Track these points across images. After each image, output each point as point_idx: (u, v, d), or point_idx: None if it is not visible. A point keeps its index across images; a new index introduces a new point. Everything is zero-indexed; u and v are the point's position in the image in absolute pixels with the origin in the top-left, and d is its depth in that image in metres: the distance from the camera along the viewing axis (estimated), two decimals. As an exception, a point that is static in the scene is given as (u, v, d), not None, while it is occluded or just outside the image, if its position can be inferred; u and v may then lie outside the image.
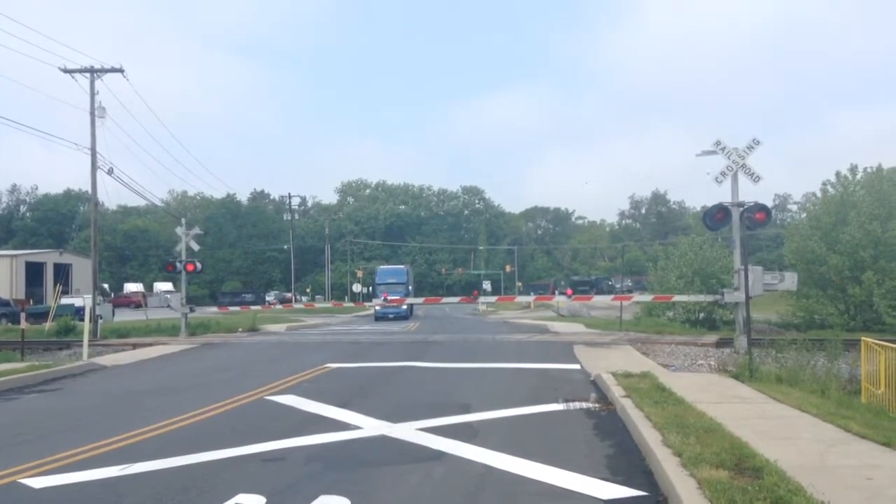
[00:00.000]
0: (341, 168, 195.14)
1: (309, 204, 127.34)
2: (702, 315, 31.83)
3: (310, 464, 7.55)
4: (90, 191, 34.63)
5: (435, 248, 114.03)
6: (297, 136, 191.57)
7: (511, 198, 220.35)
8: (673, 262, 35.89)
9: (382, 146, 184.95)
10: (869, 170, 33.34)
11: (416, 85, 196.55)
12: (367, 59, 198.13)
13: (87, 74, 34.27)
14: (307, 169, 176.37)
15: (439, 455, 7.82)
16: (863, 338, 14.10)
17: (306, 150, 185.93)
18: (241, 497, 6.24)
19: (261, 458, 7.80)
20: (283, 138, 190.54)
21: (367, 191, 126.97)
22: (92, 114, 34.07)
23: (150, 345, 22.62)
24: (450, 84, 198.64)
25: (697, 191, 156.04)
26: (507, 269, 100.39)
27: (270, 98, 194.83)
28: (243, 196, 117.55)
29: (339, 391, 12.52)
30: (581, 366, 15.56)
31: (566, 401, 11.08)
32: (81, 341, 19.73)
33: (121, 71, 34.52)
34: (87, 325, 19.50)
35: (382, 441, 8.61)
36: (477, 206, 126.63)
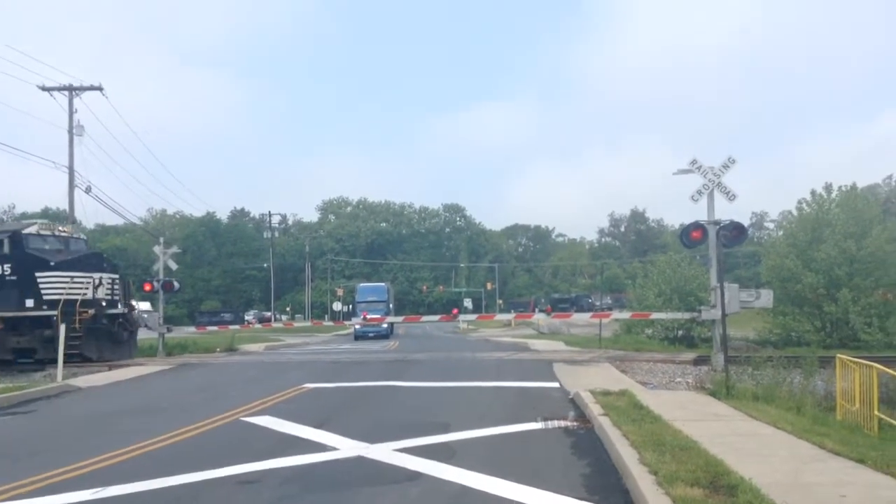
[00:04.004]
0: (322, 186, 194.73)
1: (289, 222, 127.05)
2: (680, 332, 32.08)
3: (285, 486, 7.48)
4: (68, 209, 34.38)
5: (416, 266, 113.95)
6: (277, 153, 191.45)
7: (492, 215, 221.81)
8: (652, 279, 36.19)
9: (363, 164, 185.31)
10: (844, 188, 33.87)
11: (396, 102, 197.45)
12: (347, 75, 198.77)
13: (66, 92, 34.15)
14: (288, 186, 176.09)
15: (416, 476, 7.78)
16: (838, 355, 14.24)
17: (286, 167, 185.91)
18: (214, 521, 6.17)
19: (236, 481, 7.71)
20: (263, 155, 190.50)
21: (349, 208, 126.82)
22: (70, 132, 33.94)
23: (126, 366, 22.38)
24: (431, 100, 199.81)
25: (676, 209, 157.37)
26: (489, 286, 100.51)
27: (250, 115, 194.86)
28: (223, 214, 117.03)
29: (316, 412, 12.43)
30: (560, 384, 15.56)
31: (545, 419, 11.07)
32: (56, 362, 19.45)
33: (100, 89, 34.43)
34: (61, 346, 19.24)
35: (359, 462, 8.55)
36: (458, 223, 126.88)
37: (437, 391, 15.16)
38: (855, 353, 19.34)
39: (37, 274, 24.20)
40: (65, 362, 22.92)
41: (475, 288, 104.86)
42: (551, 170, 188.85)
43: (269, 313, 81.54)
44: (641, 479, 6.75)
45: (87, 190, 34.09)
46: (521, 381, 16.20)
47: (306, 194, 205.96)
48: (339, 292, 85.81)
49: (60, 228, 27.09)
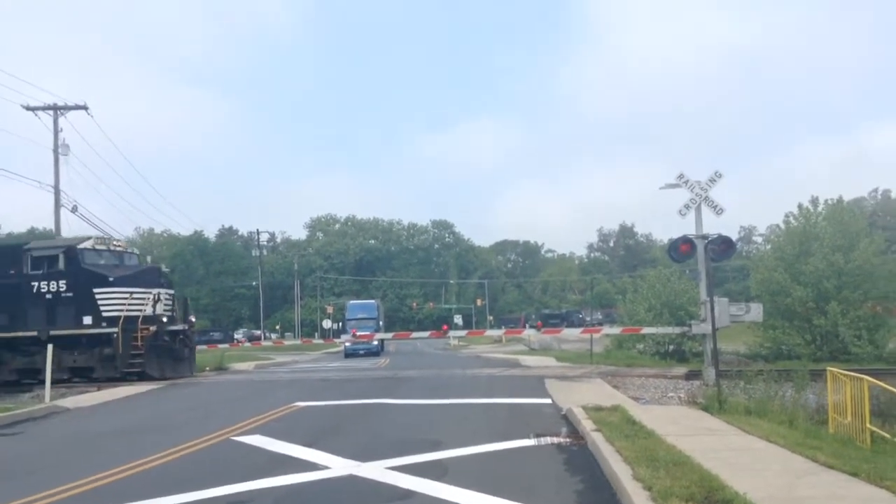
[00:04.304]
0: (310, 203, 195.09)
1: (278, 240, 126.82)
2: (671, 347, 32.12)
3: (276, 506, 7.40)
4: (54, 229, 34.17)
5: (405, 283, 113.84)
6: (264, 171, 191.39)
7: (481, 231, 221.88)
8: (642, 294, 36.27)
9: (351, 181, 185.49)
10: (830, 201, 34.12)
11: (383, 120, 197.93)
12: (335, 92, 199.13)
13: (51, 112, 34.05)
14: (275, 204, 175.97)
15: (408, 494, 7.71)
16: (828, 368, 14.29)
17: (274, 185, 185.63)
18: (203, 542, 6.08)
19: (227, 501, 7.62)
20: (249, 173, 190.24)
21: (337, 226, 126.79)
22: (55, 151, 33.84)
23: (115, 385, 22.16)
24: (418, 118, 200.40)
25: (664, 223, 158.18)
26: (479, 302, 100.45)
27: (235, 133, 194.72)
28: (211, 232, 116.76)
29: (307, 430, 12.32)
30: (552, 400, 15.51)
31: (537, 436, 11.01)
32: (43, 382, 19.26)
33: (84, 108, 34.36)
34: (48, 366, 19.06)
35: (351, 481, 8.47)
36: (447, 239, 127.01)
37: (428, 408, 15.08)
38: (845, 365, 19.40)
39: (95, 290, 23.70)
40: (124, 380, 23.04)
41: (465, 304, 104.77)
42: (539, 186, 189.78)
43: (258, 331, 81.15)
44: (636, 494, 6.71)
45: (74, 209, 33.95)
46: (513, 398, 16.14)
47: (294, 212, 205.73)
48: (329, 310, 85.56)
49: (115, 242, 26.59)
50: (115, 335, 23.24)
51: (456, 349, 52.37)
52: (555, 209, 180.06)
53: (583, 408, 12.79)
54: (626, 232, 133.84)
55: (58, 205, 33.58)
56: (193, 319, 29.43)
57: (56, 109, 33.97)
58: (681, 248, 19.96)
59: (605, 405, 13.13)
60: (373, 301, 62.14)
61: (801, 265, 31.11)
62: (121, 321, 23.21)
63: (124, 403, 18.43)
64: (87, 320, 23.66)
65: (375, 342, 44.07)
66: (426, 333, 24.89)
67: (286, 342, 58.26)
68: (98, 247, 25.15)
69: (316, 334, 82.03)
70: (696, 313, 22.03)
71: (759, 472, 7.87)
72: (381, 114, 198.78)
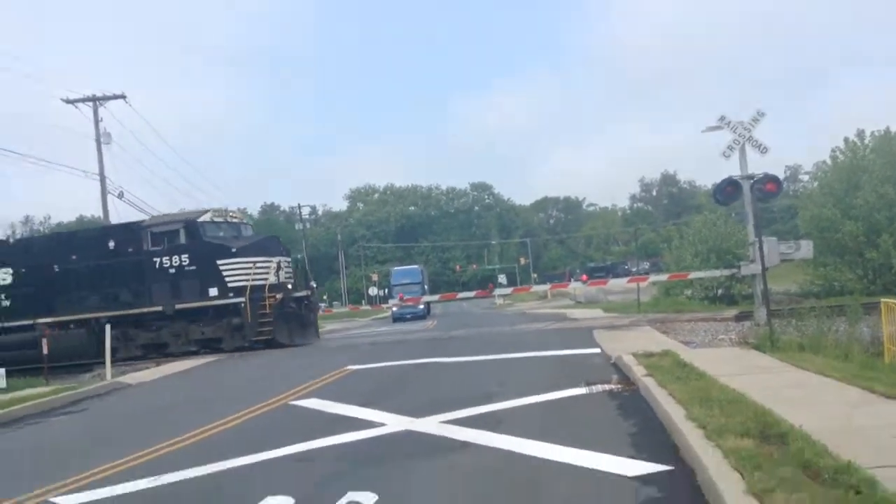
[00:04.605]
0: (349, 175, 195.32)
1: (319, 213, 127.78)
2: (720, 291, 31.80)
3: (336, 463, 7.60)
4: (102, 216, 34.95)
5: (447, 247, 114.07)
6: (302, 147, 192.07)
7: (520, 190, 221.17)
8: (688, 240, 35.87)
9: (387, 150, 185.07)
10: (878, 133, 33.17)
11: (416, 84, 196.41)
12: (363, 62, 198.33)
13: (90, 104, 34.61)
14: (315, 178, 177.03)
15: (464, 445, 7.85)
16: (882, 300, 14.01)
17: (312, 160, 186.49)
18: (269, 499, 6.28)
19: (288, 461, 7.86)
20: (287, 150, 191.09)
21: (376, 195, 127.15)
22: (98, 141, 34.47)
23: (173, 360, 22.78)
24: (450, 80, 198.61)
25: (707, 169, 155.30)
26: (522, 261, 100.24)
27: (272, 111, 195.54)
28: (254, 210, 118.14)
29: (361, 391, 12.56)
30: (601, 349, 15.52)
31: (588, 384, 11.05)
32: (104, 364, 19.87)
33: (123, 97, 34.86)
34: (107, 345, 19.64)
35: (407, 436, 8.65)
36: (487, 201, 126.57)
37: (478, 364, 15.21)
38: (900, 298, 19.01)
39: (218, 262, 23.95)
40: (253, 348, 23.56)
41: (508, 264, 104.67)
42: (578, 140, 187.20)
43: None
44: (690, 434, 6.72)
45: (120, 195, 34.69)
46: (562, 350, 16.17)
47: (334, 185, 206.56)
48: (374, 277, 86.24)
49: (232, 214, 26.84)
50: (243, 305, 23.48)
51: (501, 308, 52.52)
52: (594, 163, 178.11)
53: (632, 355, 12.77)
54: (668, 180, 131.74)
55: (104, 192, 34.33)
56: (314, 285, 29.73)
57: (95, 101, 34.55)
58: (726, 190, 19.61)
59: (655, 351, 13.08)
60: (416, 266, 62.46)
61: (850, 199, 30.40)
62: (247, 291, 23.40)
63: (183, 377, 18.96)
64: (213, 292, 23.89)
65: (422, 305, 44.42)
66: (472, 293, 24.99)
67: (334, 311, 58.97)
68: (216, 219, 25.34)
69: (363, 301, 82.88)
70: (745, 255, 21.72)
71: (814, 404, 7.82)
72: (413, 78, 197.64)
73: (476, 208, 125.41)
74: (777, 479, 4.96)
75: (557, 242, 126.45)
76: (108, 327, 20.13)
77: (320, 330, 37.92)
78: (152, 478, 7.54)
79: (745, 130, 19.25)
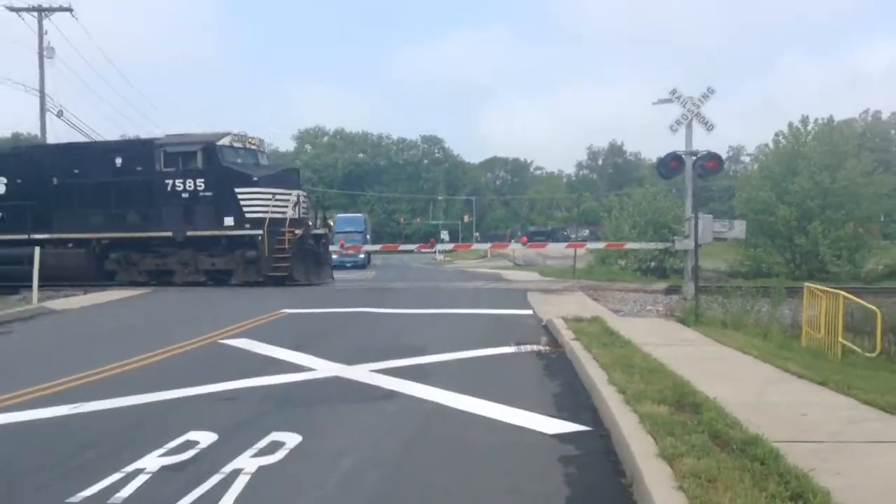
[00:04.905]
0: (298, 114, 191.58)
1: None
2: (653, 264, 32.55)
3: (262, 403, 7.63)
4: (39, 134, 33.68)
5: (394, 198, 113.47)
6: (252, 77, 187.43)
7: (470, 147, 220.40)
8: (627, 212, 36.49)
9: (339, 92, 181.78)
10: (821, 121, 34.11)
11: (371, 29, 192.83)
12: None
13: (35, 14, 33.19)
14: (263, 112, 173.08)
15: (391, 394, 7.96)
16: (806, 284, 14.58)
17: (262, 92, 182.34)
18: (192, 434, 6.29)
19: (213, 398, 7.85)
20: (237, 80, 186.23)
21: (325, 138, 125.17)
22: (40, 54, 33.11)
23: (102, 289, 22.29)
24: (405, 27, 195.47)
25: (654, 141, 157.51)
26: (466, 219, 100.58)
27: (221, 38, 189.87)
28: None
29: (294, 335, 12.55)
30: (533, 311, 15.80)
31: (518, 344, 11.28)
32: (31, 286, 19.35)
33: (69, 10, 33.43)
34: (35, 268, 19.11)
35: (336, 382, 8.72)
36: (436, 155, 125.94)
37: (413, 317, 15.33)
38: (822, 283, 19.75)
39: (237, 190, 22.54)
40: (267, 284, 22.64)
41: (452, 220, 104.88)
42: (530, 102, 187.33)
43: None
44: (610, 397, 6.95)
45: (59, 114, 33.33)
46: (496, 309, 16.42)
47: (281, 122, 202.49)
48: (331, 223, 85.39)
49: (251, 140, 24.99)
50: (260, 237, 22.37)
51: (442, 264, 52.76)
52: (545, 127, 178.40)
53: (563, 318, 13.06)
54: (615, 150, 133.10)
55: (43, 109, 32.99)
56: (332, 223, 28.62)
57: (41, 11, 33.09)
58: (670, 165, 20.04)
59: (585, 316, 13.40)
60: (360, 215, 62.09)
61: (787, 184, 31.29)
62: (266, 223, 22.29)
63: (112, 306, 18.61)
64: (229, 221, 22.63)
65: (362, 255, 44.29)
66: (413, 246, 25.17)
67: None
68: (235, 143, 23.83)
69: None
70: (680, 230, 22.25)
71: (730, 379, 8.15)
72: (368, 22, 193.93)
73: (425, 162, 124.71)
74: (688, 445, 5.19)
75: (502, 203, 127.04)
76: (37, 250, 19.51)
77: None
78: (72, 405, 7.45)
79: (694, 106, 19.62)
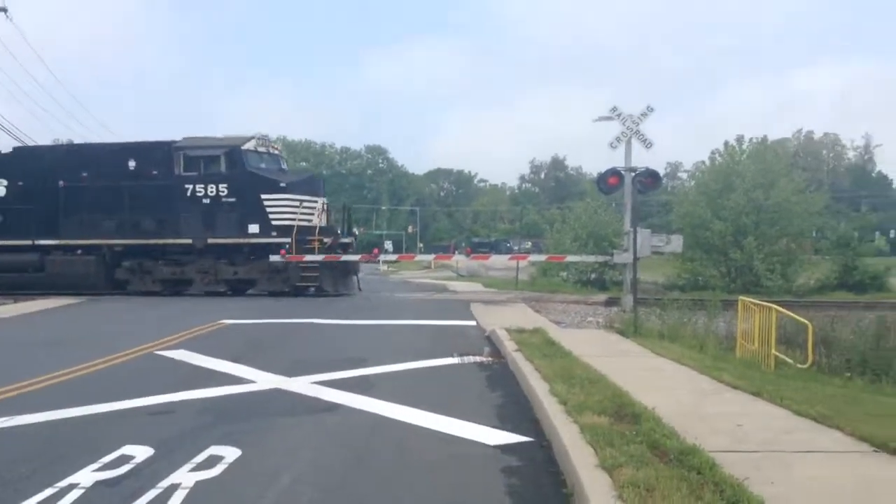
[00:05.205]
0: (240, 121, 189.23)
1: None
2: (593, 276, 33.01)
3: (200, 416, 7.47)
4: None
5: (337, 208, 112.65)
6: (194, 84, 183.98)
7: (415, 158, 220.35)
8: (569, 225, 36.94)
9: (283, 101, 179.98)
10: (755, 140, 35.21)
11: (315, 35, 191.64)
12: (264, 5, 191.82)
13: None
14: (205, 119, 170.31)
15: (333, 406, 7.89)
16: (740, 297, 14.97)
17: (204, 99, 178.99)
18: (127, 448, 6.13)
19: (149, 412, 7.66)
20: (178, 86, 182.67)
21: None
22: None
23: (34, 299, 21.59)
24: (352, 36, 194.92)
25: (595, 156, 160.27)
26: (410, 229, 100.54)
27: (164, 43, 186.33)
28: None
29: (233, 346, 12.35)
30: (477, 322, 15.87)
31: (461, 355, 11.31)
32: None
33: (3, 10, 32.43)
34: None
35: (276, 394, 8.59)
36: (380, 165, 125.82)
37: (356, 328, 15.25)
38: (756, 297, 20.29)
39: (263, 196, 21.77)
40: (299, 295, 21.98)
41: (396, 231, 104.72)
42: (475, 115, 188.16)
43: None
44: (551, 408, 7.02)
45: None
46: (439, 320, 16.44)
47: (224, 128, 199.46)
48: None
49: (273, 145, 24.24)
50: (288, 245, 21.74)
51: (386, 274, 52.56)
52: (490, 139, 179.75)
53: (505, 329, 13.16)
54: (557, 164, 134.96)
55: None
56: (357, 232, 27.75)
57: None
58: (609, 181, 20.38)
59: (527, 327, 13.53)
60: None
61: (722, 200, 32.10)
62: (294, 231, 21.63)
63: (43, 316, 18.03)
64: (254, 229, 21.90)
65: (304, 264, 43.75)
66: (356, 257, 24.69)
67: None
68: (259, 148, 23.03)
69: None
70: (619, 244, 22.63)
71: (667, 389, 8.31)
72: (307, 32, 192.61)
73: (369, 171, 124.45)
74: (627, 455, 5.29)
75: (446, 214, 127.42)
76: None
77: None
78: (6, 418, 7.19)
79: (634, 124, 20.01)
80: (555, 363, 9.49)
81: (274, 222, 21.90)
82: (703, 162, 39.06)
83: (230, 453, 6.01)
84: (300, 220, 21.99)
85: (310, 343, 13.26)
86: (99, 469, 5.62)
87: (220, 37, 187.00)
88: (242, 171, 22.19)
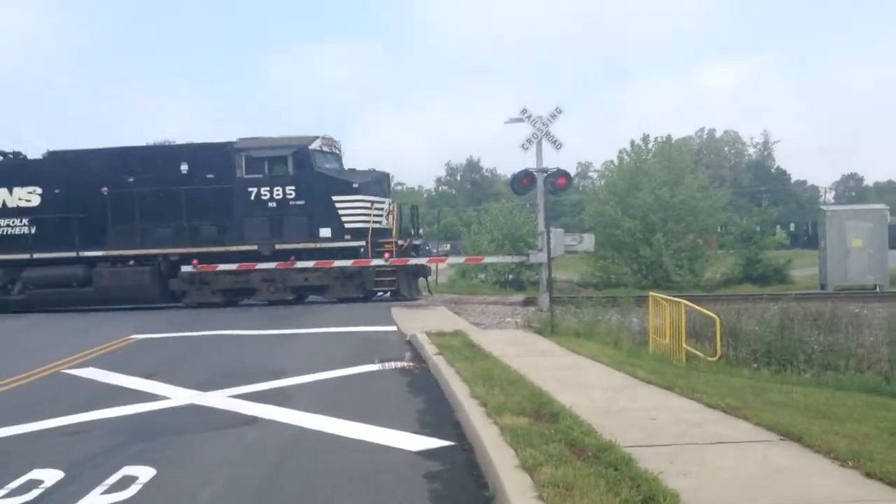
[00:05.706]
0: (148, 125, 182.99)
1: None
2: (511, 276, 33.43)
3: (113, 435, 7.23)
4: None
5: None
6: (95, 90, 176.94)
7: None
8: (485, 226, 37.32)
9: (192, 102, 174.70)
10: (660, 139, 36.32)
11: (235, 35, 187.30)
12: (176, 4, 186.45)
13: None
14: (109, 126, 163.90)
15: (251, 420, 7.75)
16: (651, 293, 15.45)
17: (106, 105, 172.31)
18: (36, 472, 5.89)
19: (58, 433, 7.38)
20: (78, 93, 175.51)
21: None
22: None
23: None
24: (271, 37, 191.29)
25: (509, 158, 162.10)
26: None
27: (61, 50, 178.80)
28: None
29: (145, 362, 11.96)
30: (398, 327, 15.83)
31: (382, 361, 11.27)
32: None
33: None
34: None
35: (192, 409, 8.40)
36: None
37: (275, 338, 14.98)
38: (667, 292, 20.99)
39: (335, 198, 20.54)
40: (371, 300, 21.20)
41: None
42: (391, 117, 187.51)
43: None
44: (471, 411, 7.09)
45: None
46: (359, 326, 16.30)
47: (131, 134, 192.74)
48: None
49: (336, 145, 22.68)
50: (363, 249, 20.65)
51: (302, 281, 51.99)
52: (406, 142, 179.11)
53: (426, 333, 13.19)
54: (472, 166, 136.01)
55: None
56: (422, 232, 26.29)
57: None
58: (522, 181, 20.73)
59: (448, 330, 13.59)
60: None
61: (631, 199, 32.99)
62: (369, 233, 20.54)
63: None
64: (325, 232, 20.80)
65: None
66: (272, 264, 24.11)
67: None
68: (324, 148, 21.67)
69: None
70: (535, 244, 23.01)
71: (584, 387, 8.51)
72: (227, 33, 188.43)
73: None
74: (546, 455, 5.39)
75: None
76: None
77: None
78: None
79: (543, 125, 20.39)
80: (475, 365, 9.58)
81: (347, 225, 21.02)
82: (612, 162, 40.05)
83: (144, 473, 5.84)
84: (373, 221, 21.23)
85: (227, 355, 12.98)
86: (5, 496, 5.38)
87: (131, 41, 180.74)
88: (311, 171, 21.14)
